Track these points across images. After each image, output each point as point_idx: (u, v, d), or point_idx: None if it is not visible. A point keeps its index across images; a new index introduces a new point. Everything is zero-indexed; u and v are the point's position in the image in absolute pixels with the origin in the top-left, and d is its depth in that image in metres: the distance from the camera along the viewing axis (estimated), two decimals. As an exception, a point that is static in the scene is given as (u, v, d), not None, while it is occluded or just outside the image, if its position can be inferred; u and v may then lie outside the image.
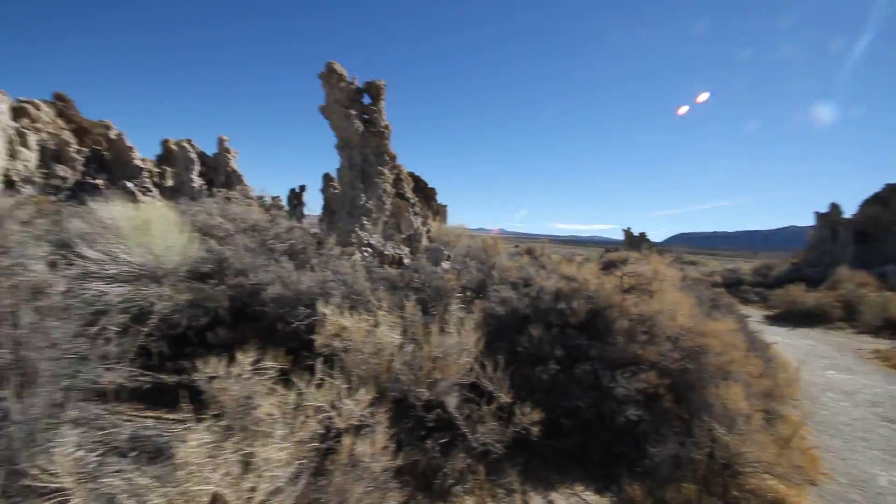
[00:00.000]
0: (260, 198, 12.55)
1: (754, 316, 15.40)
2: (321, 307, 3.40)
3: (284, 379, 2.62)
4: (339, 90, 8.72)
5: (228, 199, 9.09)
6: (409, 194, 11.61)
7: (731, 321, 5.93)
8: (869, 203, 23.77)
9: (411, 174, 15.28)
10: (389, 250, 9.20)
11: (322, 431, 2.23)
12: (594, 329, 4.12)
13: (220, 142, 18.10)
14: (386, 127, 9.32)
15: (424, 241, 11.23)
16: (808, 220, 26.17)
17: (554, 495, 3.25)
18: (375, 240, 9.22)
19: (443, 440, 3.26)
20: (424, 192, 17.93)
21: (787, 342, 10.79)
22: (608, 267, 9.94)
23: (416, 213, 11.39)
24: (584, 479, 3.43)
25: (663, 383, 3.73)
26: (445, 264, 7.87)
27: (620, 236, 50.15)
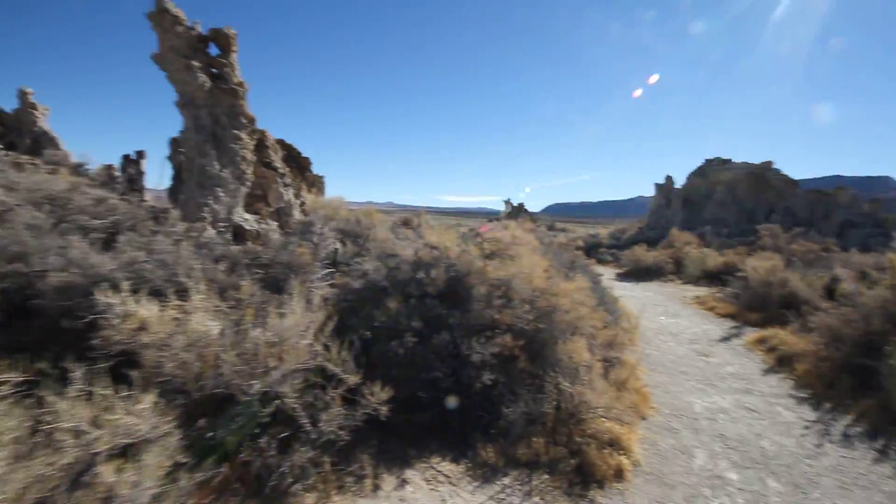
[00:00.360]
0: (79, 165, 10.18)
1: (608, 274, 17.51)
2: (104, 295, 2.67)
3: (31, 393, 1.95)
4: (176, 36, 7.24)
5: (19, 164, 7.10)
6: (278, 163, 10.44)
7: (585, 280, 6.43)
8: (693, 175, 28.45)
9: (281, 142, 13.81)
10: (253, 226, 8.18)
11: (71, 461, 1.67)
12: (454, 297, 4.02)
13: (22, 95, 14.28)
14: (240, 84, 8.08)
15: (297, 215, 10.29)
16: (652, 191, 30.45)
17: (409, 472, 3.09)
18: (235, 214, 8.11)
19: (282, 435, 2.87)
20: (298, 162, 16.48)
21: (632, 295, 12.41)
22: (473, 235, 10.18)
23: (286, 185, 10.32)
24: (442, 450, 3.34)
25: (518, 344, 3.78)
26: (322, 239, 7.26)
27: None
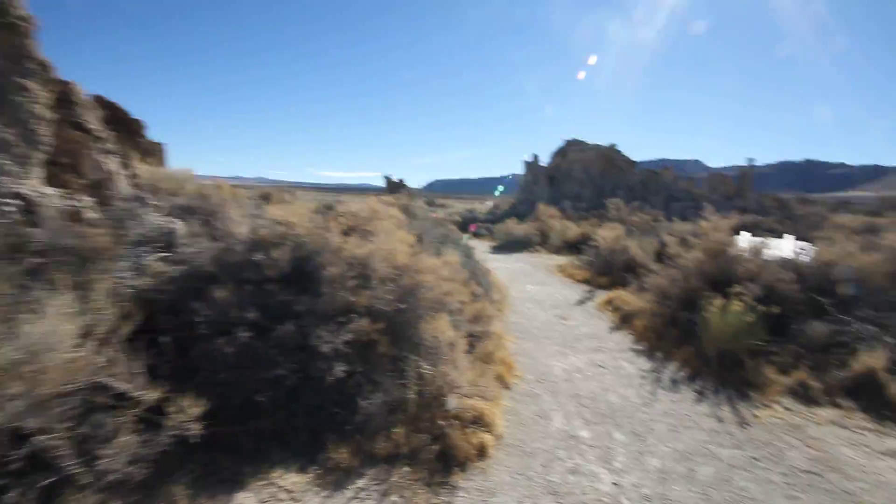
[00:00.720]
0: None
1: (483, 247, 18.33)
2: None
3: None
4: None
5: None
6: (94, 125, 8.30)
7: (455, 255, 6.34)
8: (555, 154, 31.15)
9: (100, 99, 11.11)
10: (56, 202, 6.36)
11: None
12: (302, 281, 3.47)
13: None
14: (24, 18, 6.06)
15: (125, 189, 8.39)
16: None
17: (241, 495, 2.55)
18: (24, 186, 6.20)
19: (44, 484, 2.09)
20: (126, 126, 13.64)
21: (504, 266, 13.05)
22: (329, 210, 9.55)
23: (107, 152, 8.29)
24: (287, 460, 2.85)
25: (377, 328, 3.42)
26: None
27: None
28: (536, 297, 8.71)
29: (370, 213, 4.82)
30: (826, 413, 3.73)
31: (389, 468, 2.89)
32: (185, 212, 6.55)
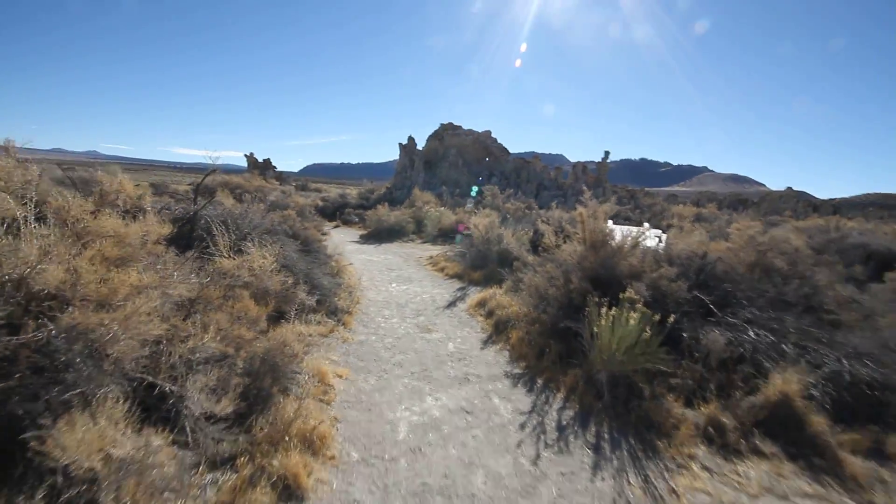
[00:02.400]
0: None
1: (352, 236, 16.25)
2: None
3: None
4: None
5: None
6: None
7: (269, 252, 4.34)
8: (431, 138, 30.05)
9: None
10: None
11: None
12: None
13: None
14: None
15: None
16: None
17: None
18: None
19: None
20: None
21: (369, 259, 11.23)
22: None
23: None
24: None
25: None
26: None
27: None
28: (399, 299, 7.09)
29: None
30: (754, 471, 2.75)
31: None
32: None
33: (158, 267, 2.51)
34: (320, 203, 21.95)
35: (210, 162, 5.20)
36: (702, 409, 3.42)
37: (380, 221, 16.03)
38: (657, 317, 3.77)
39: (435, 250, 13.13)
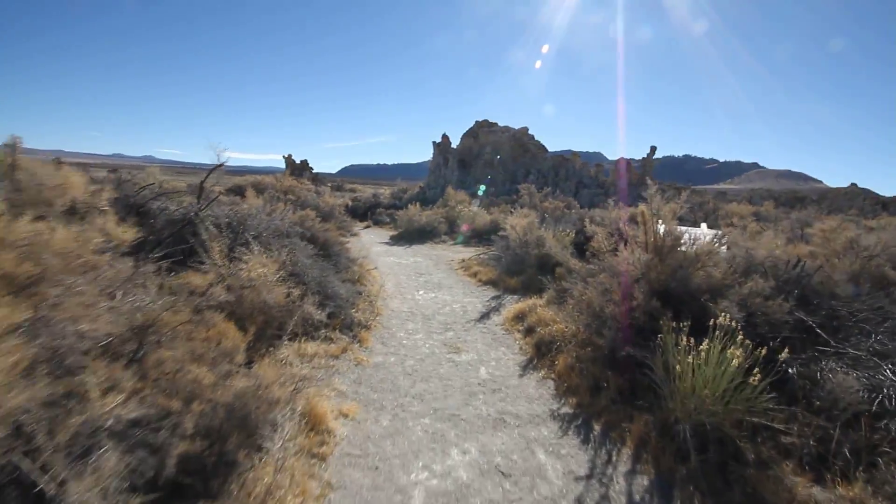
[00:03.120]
0: None
1: (382, 237, 15.67)
2: None
3: None
4: None
5: None
6: None
7: (276, 257, 3.66)
8: (466, 136, 29.21)
9: None
10: None
11: None
12: None
13: None
14: None
15: None
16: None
17: None
18: None
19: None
20: None
21: (398, 262, 10.55)
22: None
23: None
24: None
25: None
26: None
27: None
28: (426, 309, 6.31)
29: None
30: None
31: None
32: None
33: (83, 288, 1.84)
34: (350, 203, 21.57)
35: (218, 161, 4.62)
36: (839, 487, 2.41)
37: (410, 222, 15.37)
38: (762, 351, 2.79)
39: (467, 253, 12.30)
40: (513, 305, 6.31)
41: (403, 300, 6.72)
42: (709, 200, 28.32)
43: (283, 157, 48.77)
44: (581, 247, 10.25)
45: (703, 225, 11.56)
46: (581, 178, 28.49)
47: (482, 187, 27.13)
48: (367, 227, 19.13)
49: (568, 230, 9.98)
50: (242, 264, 3.53)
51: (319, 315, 4.20)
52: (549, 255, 8.01)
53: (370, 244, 13.53)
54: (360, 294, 6.00)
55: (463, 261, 10.48)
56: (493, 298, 7.03)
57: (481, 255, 10.46)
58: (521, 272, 7.95)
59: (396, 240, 14.83)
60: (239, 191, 14.54)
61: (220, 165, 4.58)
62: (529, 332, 5.14)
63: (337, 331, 4.61)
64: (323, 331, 4.43)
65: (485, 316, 6.09)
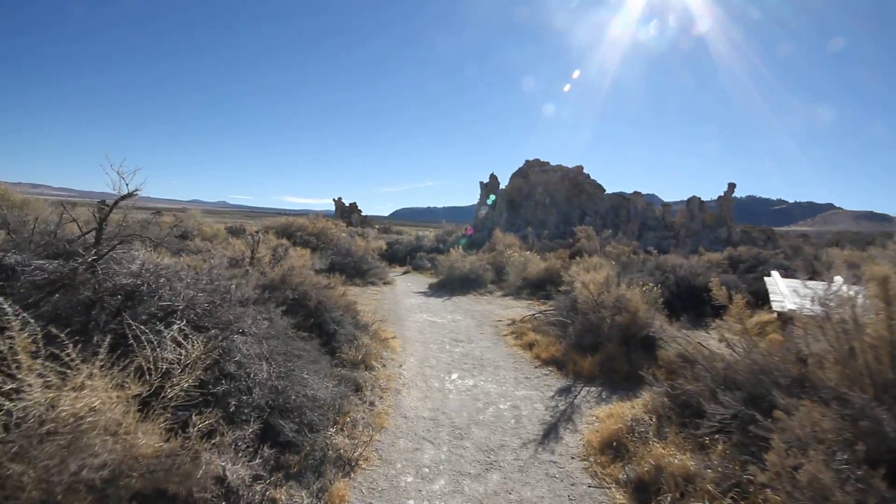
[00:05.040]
0: None
1: (419, 285, 13.78)
2: None
3: None
4: None
5: None
6: None
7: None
8: (515, 176, 27.47)
9: None
10: None
11: None
12: None
13: None
14: None
15: None
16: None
17: None
18: None
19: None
20: None
21: (432, 320, 8.50)
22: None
23: None
24: None
25: None
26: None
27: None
28: (457, 413, 4.13)
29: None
30: None
31: None
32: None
33: None
34: (384, 247, 20.03)
35: (125, 191, 2.94)
36: None
37: (452, 269, 13.40)
38: None
39: (518, 307, 10.07)
40: (595, 412, 4.02)
41: (426, 392, 4.60)
42: (800, 244, 24.26)
43: (333, 200, 49.56)
44: (670, 305, 7.75)
45: (838, 278, 8.72)
46: (644, 220, 25.58)
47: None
48: (407, 272, 17.40)
49: (649, 283, 7.52)
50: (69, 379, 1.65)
51: (244, 472, 2.18)
52: (640, 324, 5.63)
53: (403, 295, 11.64)
54: (360, 388, 3.97)
55: (513, 322, 8.25)
56: (561, 394, 4.72)
57: (537, 315, 8.20)
58: (597, 347, 5.61)
59: (435, 290, 12.85)
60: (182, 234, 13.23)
61: (129, 195, 2.90)
62: (641, 486, 2.81)
63: (290, 482, 2.56)
64: (258, 487, 2.39)
65: (551, 433, 3.81)
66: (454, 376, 5.17)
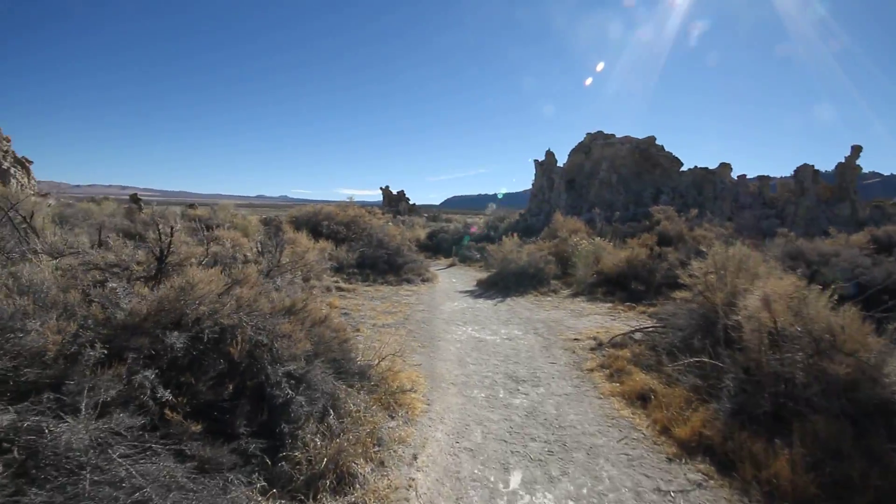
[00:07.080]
0: None
1: (465, 283, 11.38)
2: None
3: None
4: None
5: None
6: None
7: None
8: (575, 151, 24.09)
9: None
10: None
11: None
12: None
13: None
14: None
15: None
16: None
17: None
18: None
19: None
20: None
21: (478, 337, 6.09)
22: None
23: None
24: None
25: None
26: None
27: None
28: None
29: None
30: None
31: None
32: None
33: None
34: (422, 237, 17.71)
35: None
36: None
37: (505, 261, 10.85)
38: None
39: (597, 315, 7.40)
40: None
41: (470, 492, 2.22)
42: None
43: (381, 188, 48.17)
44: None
45: None
46: (736, 197, 21.37)
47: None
48: (452, 264, 15.07)
49: (837, 283, 4.55)
50: None
51: None
52: (865, 369, 2.87)
53: (444, 296, 9.30)
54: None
55: (596, 339, 5.65)
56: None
57: (635, 332, 5.53)
58: (785, 418, 2.93)
59: (485, 288, 10.40)
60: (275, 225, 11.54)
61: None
62: None
63: None
64: None
65: None
66: (515, 483, 2.72)
